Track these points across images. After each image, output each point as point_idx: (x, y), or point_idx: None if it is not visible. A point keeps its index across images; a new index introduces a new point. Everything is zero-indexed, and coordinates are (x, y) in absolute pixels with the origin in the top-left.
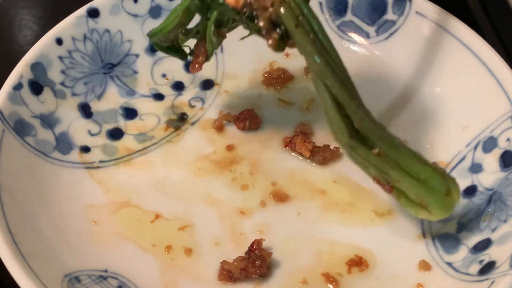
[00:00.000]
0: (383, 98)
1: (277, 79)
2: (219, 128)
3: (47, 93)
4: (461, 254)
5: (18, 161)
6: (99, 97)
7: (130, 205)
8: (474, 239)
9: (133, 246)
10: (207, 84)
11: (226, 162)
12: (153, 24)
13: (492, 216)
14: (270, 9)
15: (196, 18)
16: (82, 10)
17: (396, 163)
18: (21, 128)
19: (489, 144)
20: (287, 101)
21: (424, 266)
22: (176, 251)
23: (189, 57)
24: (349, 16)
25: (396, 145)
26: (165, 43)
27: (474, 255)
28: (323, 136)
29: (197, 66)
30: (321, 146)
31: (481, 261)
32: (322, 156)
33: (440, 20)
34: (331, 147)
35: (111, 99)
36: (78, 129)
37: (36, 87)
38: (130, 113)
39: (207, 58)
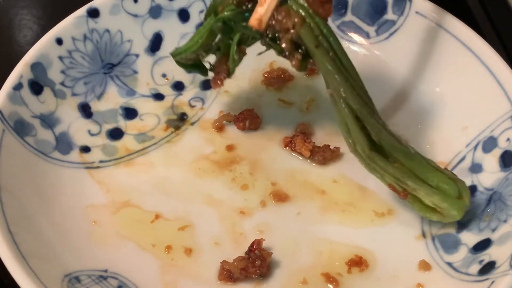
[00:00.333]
0: (383, 98)
1: (277, 79)
2: (219, 128)
3: (47, 93)
4: (461, 254)
5: (18, 161)
6: (99, 97)
7: (130, 205)
8: (474, 239)
9: (133, 246)
10: (207, 84)
11: (226, 162)
12: (153, 24)
13: (492, 216)
14: (292, 31)
15: None
16: (82, 10)
17: (412, 172)
18: (21, 128)
19: (489, 144)
20: (287, 101)
21: (424, 266)
22: (176, 251)
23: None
24: (349, 16)
25: (412, 155)
26: (188, 61)
27: (474, 255)
28: (323, 136)
29: (219, 82)
30: (321, 146)
31: (481, 261)
32: (322, 156)
33: (440, 20)
34: (331, 147)
35: (111, 99)
36: (78, 129)
37: (36, 87)
38: (130, 113)
39: (228, 75)
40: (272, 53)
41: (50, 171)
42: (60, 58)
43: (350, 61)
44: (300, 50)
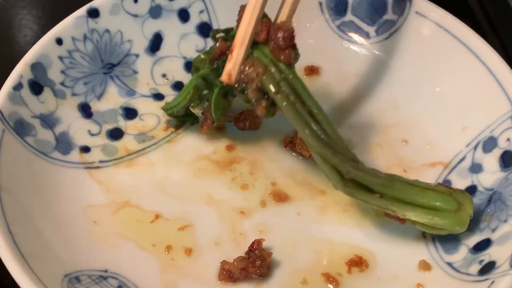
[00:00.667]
0: (383, 98)
1: None
2: (219, 128)
3: (47, 93)
4: (461, 254)
5: (18, 161)
6: (99, 97)
7: (130, 205)
8: (474, 239)
9: (133, 246)
10: None
11: (226, 162)
12: (153, 24)
13: (492, 216)
14: (257, 79)
15: None
16: (82, 10)
17: (397, 199)
18: (21, 128)
19: (489, 144)
20: None
21: (424, 266)
22: (176, 251)
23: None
24: (349, 16)
25: (390, 185)
26: (180, 113)
27: (474, 255)
28: None
29: (205, 127)
30: None
31: (481, 261)
32: None
33: (440, 20)
34: None
35: (111, 99)
36: (78, 129)
37: (36, 87)
38: (130, 113)
39: (213, 122)
40: None
41: (50, 171)
42: (60, 58)
43: (316, 102)
44: (266, 97)
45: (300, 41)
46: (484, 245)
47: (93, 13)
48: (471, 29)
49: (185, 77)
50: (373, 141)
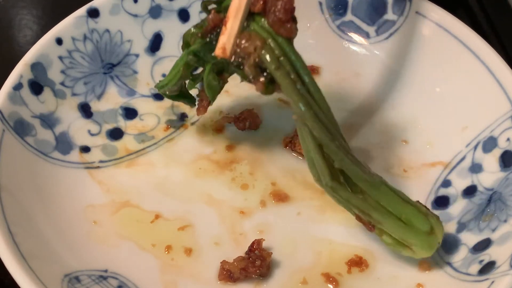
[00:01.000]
0: (383, 98)
1: None
2: (219, 128)
3: (47, 93)
4: (461, 254)
5: (18, 161)
6: (99, 97)
7: (130, 205)
8: (474, 239)
9: (133, 246)
10: None
11: (226, 162)
12: (153, 24)
13: (492, 216)
14: (254, 54)
15: None
16: (82, 10)
17: (378, 204)
18: (21, 128)
19: (489, 144)
20: (287, 101)
21: (424, 266)
22: (176, 251)
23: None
24: (349, 16)
25: (377, 185)
26: (173, 92)
27: (474, 255)
28: None
29: (201, 109)
30: None
31: (481, 261)
32: None
33: (440, 20)
34: None
35: (111, 99)
36: (78, 129)
37: (36, 87)
38: (130, 113)
39: (209, 102)
40: None
41: (50, 171)
42: (60, 58)
43: (315, 83)
44: (265, 74)
45: (300, 41)
46: (484, 245)
47: (93, 13)
48: (471, 29)
49: None
50: (373, 141)
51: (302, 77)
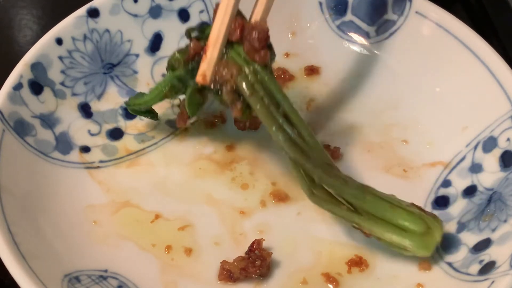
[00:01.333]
0: (382, 98)
1: (277, 79)
2: (219, 128)
3: (47, 93)
4: (461, 254)
5: (18, 161)
6: (99, 97)
7: (130, 205)
8: (474, 239)
9: (133, 246)
10: None
11: (226, 162)
12: (153, 24)
13: (492, 216)
14: (231, 81)
15: None
16: (82, 10)
17: (366, 212)
18: (21, 128)
19: (489, 144)
20: None
21: (424, 266)
22: (176, 251)
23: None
24: (349, 16)
25: (361, 196)
26: (142, 109)
27: (474, 255)
28: (323, 136)
29: (181, 121)
30: None
31: (481, 261)
32: None
33: (440, 20)
34: (331, 147)
35: (111, 99)
36: (78, 129)
37: (36, 87)
38: (130, 113)
39: (189, 117)
40: None
41: (50, 171)
42: (60, 58)
43: (291, 105)
44: (242, 99)
45: (300, 41)
46: (484, 245)
47: (93, 13)
48: (471, 29)
49: None
50: (373, 141)
51: (278, 100)
